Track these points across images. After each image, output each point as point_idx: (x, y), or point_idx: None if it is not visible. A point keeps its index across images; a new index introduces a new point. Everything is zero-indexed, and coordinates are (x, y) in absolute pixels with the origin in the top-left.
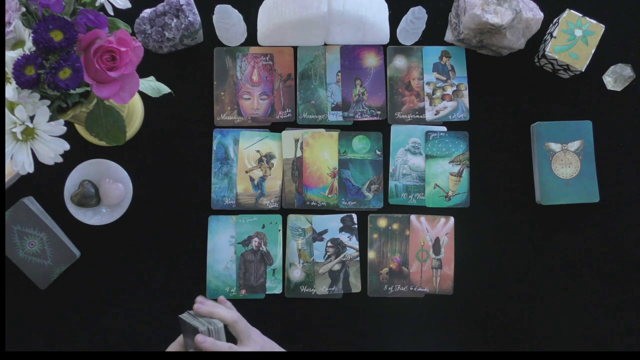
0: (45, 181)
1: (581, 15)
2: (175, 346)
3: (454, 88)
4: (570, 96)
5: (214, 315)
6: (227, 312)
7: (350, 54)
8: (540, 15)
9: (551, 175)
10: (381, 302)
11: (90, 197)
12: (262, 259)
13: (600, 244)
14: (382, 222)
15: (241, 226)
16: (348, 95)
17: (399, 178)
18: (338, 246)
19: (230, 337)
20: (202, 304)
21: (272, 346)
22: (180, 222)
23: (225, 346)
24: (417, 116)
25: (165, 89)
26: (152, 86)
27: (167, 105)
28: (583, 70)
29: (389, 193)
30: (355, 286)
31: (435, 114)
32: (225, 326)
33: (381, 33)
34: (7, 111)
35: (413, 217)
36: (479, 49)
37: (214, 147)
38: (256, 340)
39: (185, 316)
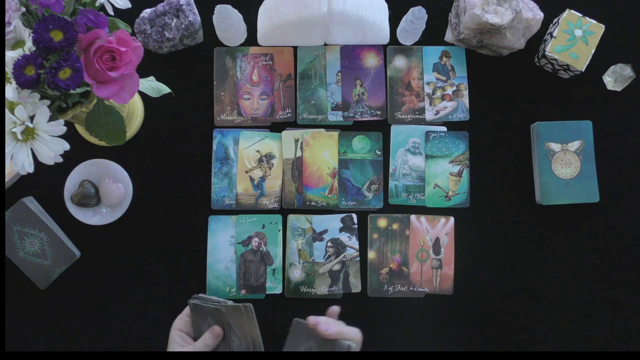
0: (45, 181)
1: (581, 15)
2: (181, 324)
3: (454, 88)
4: (570, 96)
5: (344, 336)
6: (353, 331)
7: (350, 54)
8: (540, 15)
9: (551, 175)
10: (381, 302)
11: (90, 197)
12: (262, 259)
13: (600, 244)
14: (382, 222)
15: (241, 226)
16: (348, 95)
17: (399, 178)
18: (338, 246)
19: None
20: (327, 328)
21: None
22: (180, 222)
23: (356, 335)
24: (417, 116)
25: (165, 89)
26: (152, 86)
27: (167, 105)
28: (583, 70)
29: (389, 193)
30: (355, 286)
31: (435, 114)
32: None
33: (381, 33)
34: (7, 111)
35: (413, 217)
36: (479, 49)
37: (214, 147)
38: None
39: (195, 302)
